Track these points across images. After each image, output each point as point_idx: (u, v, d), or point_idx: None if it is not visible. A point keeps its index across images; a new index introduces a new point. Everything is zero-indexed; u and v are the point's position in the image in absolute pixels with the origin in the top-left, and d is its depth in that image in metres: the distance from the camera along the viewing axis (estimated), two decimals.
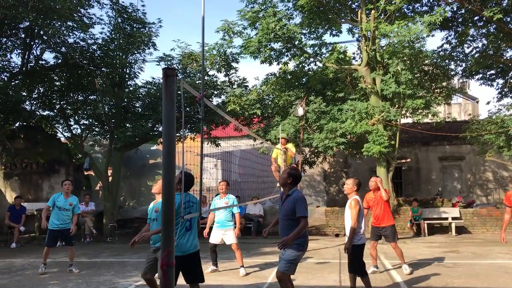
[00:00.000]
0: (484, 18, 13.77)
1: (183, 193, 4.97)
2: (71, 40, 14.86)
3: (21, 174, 16.92)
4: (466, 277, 7.76)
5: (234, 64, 15.85)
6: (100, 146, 19.90)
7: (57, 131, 17.49)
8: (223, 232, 8.54)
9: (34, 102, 15.94)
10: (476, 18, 14.90)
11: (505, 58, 15.59)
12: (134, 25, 15.70)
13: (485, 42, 15.57)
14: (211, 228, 8.75)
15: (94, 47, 15.35)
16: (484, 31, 15.35)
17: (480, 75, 16.72)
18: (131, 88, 16.31)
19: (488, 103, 33.24)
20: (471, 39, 15.77)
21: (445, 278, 7.78)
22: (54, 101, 15.96)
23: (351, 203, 6.49)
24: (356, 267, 6.37)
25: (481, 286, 7.14)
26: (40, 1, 12.65)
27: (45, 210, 9.03)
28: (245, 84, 16.38)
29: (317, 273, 8.39)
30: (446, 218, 14.61)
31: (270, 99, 15.97)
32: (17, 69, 15.06)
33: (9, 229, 13.98)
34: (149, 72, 38.33)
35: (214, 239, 8.59)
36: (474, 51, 15.96)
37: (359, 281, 6.40)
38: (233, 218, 8.79)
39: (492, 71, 16.37)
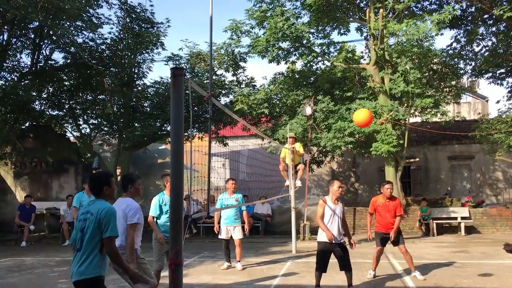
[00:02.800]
0: (494, 16, 13.65)
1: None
2: (80, 40, 14.97)
3: (31, 173, 17.04)
4: (475, 278, 7.70)
5: (242, 64, 15.86)
6: (109, 145, 19.98)
7: (66, 130, 17.61)
8: (231, 228, 8.89)
9: (44, 102, 16.07)
10: (485, 16, 14.78)
11: None
12: (143, 25, 15.76)
13: (494, 40, 15.44)
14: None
15: (103, 47, 15.44)
16: (493, 29, 15.22)
17: (490, 74, 16.57)
18: (139, 88, 16.39)
19: (498, 102, 33.00)
20: (481, 37, 15.63)
21: (454, 278, 7.73)
22: (63, 101, 16.07)
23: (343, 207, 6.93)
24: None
25: (490, 286, 7.09)
26: (49, 2, 12.72)
27: (75, 212, 8.99)
28: (253, 83, 16.38)
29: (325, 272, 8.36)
30: (455, 218, 14.51)
31: (278, 98, 15.95)
32: (27, 69, 15.18)
33: (19, 228, 14.10)
34: (158, 71, 38.58)
35: (224, 234, 8.93)
36: (484, 49, 15.82)
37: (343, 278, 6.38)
38: (241, 215, 9.20)
39: (502, 70, 16.22)
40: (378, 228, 8.10)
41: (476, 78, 18.56)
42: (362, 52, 16.35)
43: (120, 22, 15.62)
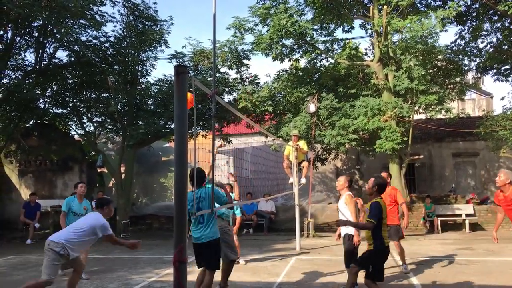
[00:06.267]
0: (499, 12, 13.57)
1: (194, 189, 5.34)
2: (83, 38, 14.97)
3: (35, 171, 17.10)
4: (479, 275, 7.68)
5: (245, 61, 15.83)
6: (113, 143, 20.02)
7: (71, 128, 17.64)
8: None
9: (48, 100, 16.09)
10: (490, 12, 14.69)
11: None
12: (146, 23, 15.76)
13: (499, 36, 15.36)
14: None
15: (107, 45, 15.43)
16: (498, 25, 15.13)
17: (495, 70, 16.49)
18: (143, 86, 16.38)
19: (502, 98, 32.50)
20: (485, 33, 15.56)
21: (458, 275, 7.71)
22: (67, 99, 16.09)
23: (346, 198, 6.71)
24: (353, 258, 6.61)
25: (494, 283, 7.07)
26: (53, 0, 12.74)
27: (63, 218, 8.20)
28: (257, 81, 16.36)
29: (329, 270, 8.36)
30: (460, 215, 14.47)
31: (282, 95, 15.94)
32: (31, 68, 15.20)
33: (24, 225, 14.17)
34: (161, 69, 38.53)
35: None
36: (488, 46, 15.74)
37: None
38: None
39: (507, 66, 16.12)
40: None
41: (480, 75, 18.48)
42: (366, 49, 16.34)
43: (124, 20, 15.63)
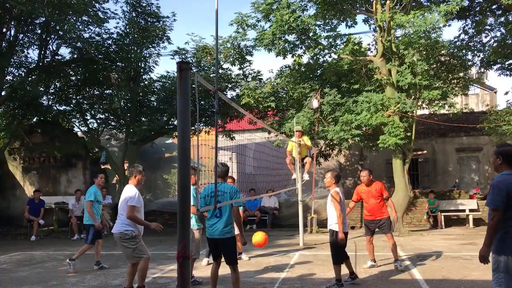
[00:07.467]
0: (502, 6, 13.49)
1: (216, 181, 5.12)
2: (86, 35, 15.00)
3: (39, 168, 17.17)
4: (483, 270, 7.64)
5: (248, 57, 15.81)
6: (116, 140, 20.06)
7: (74, 125, 17.71)
8: None
9: (51, 97, 16.15)
10: (494, 6, 14.60)
11: None
12: (148, 19, 15.75)
13: (503, 31, 15.25)
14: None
15: (109, 41, 15.45)
16: (502, 19, 15.03)
17: (498, 65, 16.39)
18: (146, 82, 16.40)
19: (506, 93, 32.44)
20: (489, 28, 15.45)
21: (462, 270, 7.71)
22: (70, 96, 16.14)
23: (332, 195, 6.80)
24: (340, 254, 6.79)
25: None
26: None
27: (91, 207, 8.39)
28: (260, 77, 16.33)
29: (332, 265, 8.37)
30: (464, 210, 14.45)
31: (285, 91, 15.90)
32: (34, 65, 15.24)
33: (28, 222, 14.25)
34: (164, 66, 38.48)
35: None
36: (492, 40, 15.65)
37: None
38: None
39: (511, 61, 16.05)
40: (365, 216, 8.34)
41: (484, 70, 18.41)
42: (369, 44, 16.24)
43: (126, 16, 15.63)
